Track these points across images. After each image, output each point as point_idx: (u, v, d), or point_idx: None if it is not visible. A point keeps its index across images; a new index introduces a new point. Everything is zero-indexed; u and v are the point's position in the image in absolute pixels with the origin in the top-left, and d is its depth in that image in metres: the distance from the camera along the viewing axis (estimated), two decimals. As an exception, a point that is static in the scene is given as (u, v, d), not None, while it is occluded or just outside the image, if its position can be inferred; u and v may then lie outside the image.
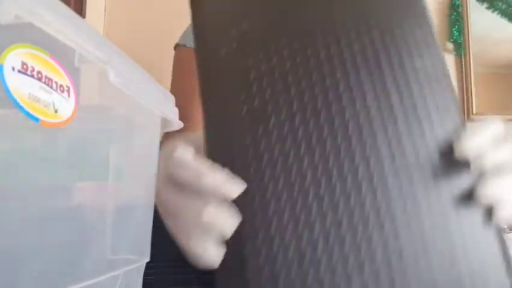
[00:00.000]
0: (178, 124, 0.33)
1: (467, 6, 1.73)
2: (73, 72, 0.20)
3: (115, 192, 0.25)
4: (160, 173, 0.31)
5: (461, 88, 1.72)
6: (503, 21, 1.73)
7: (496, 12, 1.73)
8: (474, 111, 1.70)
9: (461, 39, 1.72)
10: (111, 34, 1.57)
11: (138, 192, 0.28)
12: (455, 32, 1.71)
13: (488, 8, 1.73)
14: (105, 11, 1.69)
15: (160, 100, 0.30)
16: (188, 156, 0.29)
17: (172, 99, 0.33)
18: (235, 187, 0.28)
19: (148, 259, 0.30)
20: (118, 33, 1.57)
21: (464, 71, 1.71)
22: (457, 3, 1.73)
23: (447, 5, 1.75)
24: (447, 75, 0.36)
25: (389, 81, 0.31)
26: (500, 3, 1.72)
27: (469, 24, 1.73)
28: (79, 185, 0.22)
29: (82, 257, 0.21)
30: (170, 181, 0.30)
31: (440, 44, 0.33)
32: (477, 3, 1.73)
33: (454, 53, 1.72)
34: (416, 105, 0.31)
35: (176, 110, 0.33)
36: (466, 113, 1.71)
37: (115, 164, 0.24)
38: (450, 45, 1.73)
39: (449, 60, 1.73)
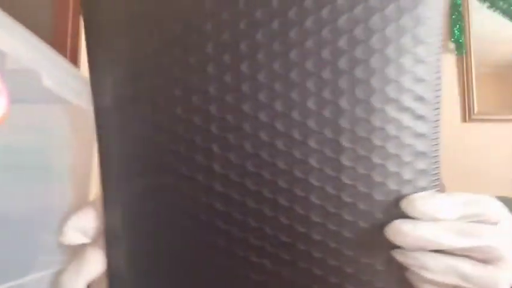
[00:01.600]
0: None
1: (468, 6, 1.72)
2: (5, 75, 0.20)
3: (53, 193, 0.25)
4: None
5: (462, 88, 1.71)
6: (505, 21, 1.72)
7: (497, 12, 1.71)
8: (475, 111, 1.69)
9: (462, 38, 1.70)
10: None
11: (72, 193, 0.28)
12: (456, 31, 1.70)
13: (489, 8, 1.72)
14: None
15: None
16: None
17: None
18: None
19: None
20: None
21: (465, 70, 1.70)
22: (458, 2, 1.72)
23: (448, 4, 1.74)
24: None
25: None
26: (501, 3, 1.70)
27: (470, 24, 1.72)
28: (13, 186, 0.22)
29: (13, 257, 0.22)
30: None
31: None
32: (478, 3, 1.72)
33: (455, 52, 1.71)
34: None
35: None
36: (467, 113, 1.70)
37: (50, 166, 0.25)
38: (451, 45, 1.72)
39: (450, 60, 1.72)
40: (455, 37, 1.70)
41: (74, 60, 1.56)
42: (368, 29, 0.23)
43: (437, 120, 0.24)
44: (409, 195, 0.24)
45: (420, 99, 0.24)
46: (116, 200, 0.25)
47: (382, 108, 0.23)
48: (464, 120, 1.71)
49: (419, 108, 0.24)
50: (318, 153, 0.24)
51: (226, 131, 0.24)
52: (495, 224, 0.24)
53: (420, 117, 0.24)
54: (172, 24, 0.25)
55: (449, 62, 1.71)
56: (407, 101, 0.24)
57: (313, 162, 0.24)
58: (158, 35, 0.25)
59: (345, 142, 0.24)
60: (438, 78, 0.24)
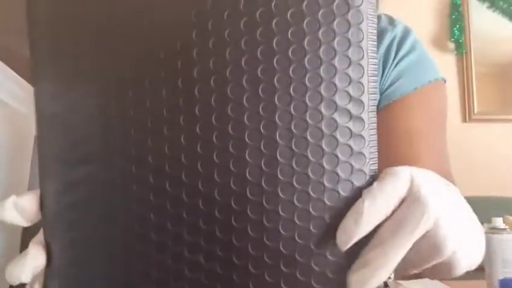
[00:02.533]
0: None
1: (468, 6, 1.73)
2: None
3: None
4: None
5: (462, 88, 1.72)
6: (504, 21, 1.72)
7: (497, 12, 1.72)
8: (475, 111, 1.69)
9: (462, 38, 1.71)
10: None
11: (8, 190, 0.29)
12: (456, 31, 1.71)
13: (489, 8, 1.72)
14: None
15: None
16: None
17: None
18: None
19: None
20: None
21: (465, 70, 1.71)
22: (458, 2, 1.72)
23: (448, 4, 1.75)
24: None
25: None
26: (501, 3, 1.71)
27: (470, 24, 1.72)
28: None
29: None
30: None
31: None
32: (478, 3, 1.73)
33: (455, 52, 1.72)
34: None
35: None
36: (468, 113, 1.70)
37: None
38: (451, 45, 1.72)
39: (450, 59, 1.73)
40: (455, 37, 1.71)
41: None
42: (302, 30, 0.23)
43: (372, 123, 0.24)
44: (345, 194, 0.24)
45: (355, 101, 0.24)
46: (51, 191, 0.25)
47: (315, 107, 0.24)
48: (464, 120, 1.71)
49: (354, 109, 0.24)
50: (252, 148, 0.24)
51: (161, 125, 0.24)
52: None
53: (356, 119, 0.24)
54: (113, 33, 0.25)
55: (449, 62, 1.72)
56: (341, 101, 0.24)
57: (247, 156, 0.24)
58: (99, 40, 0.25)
59: (280, 139, 0.24)
60: (374, 81, 0.24)
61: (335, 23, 0.23)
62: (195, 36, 0.24)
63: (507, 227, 0.78)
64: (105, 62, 0.25)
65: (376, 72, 0.24)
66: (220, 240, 0.24)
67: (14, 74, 0.28)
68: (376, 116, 0.24)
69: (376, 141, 0.24)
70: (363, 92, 0.24)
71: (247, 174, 0.24)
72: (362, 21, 0.24)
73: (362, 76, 0.24)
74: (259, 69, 0.24)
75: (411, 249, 0.23)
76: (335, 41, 0.23)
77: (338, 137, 0.24)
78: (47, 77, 0.26)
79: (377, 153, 0.24)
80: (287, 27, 0.24)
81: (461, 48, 1.71)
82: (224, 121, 0.24)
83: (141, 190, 0.24)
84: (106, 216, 0.25)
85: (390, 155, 0.26)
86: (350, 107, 0.24)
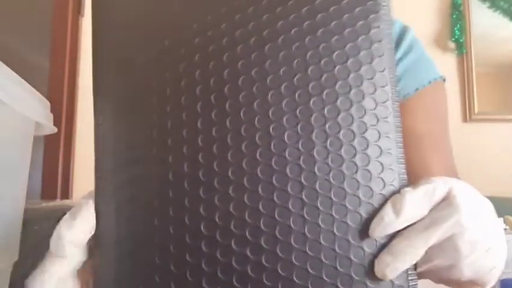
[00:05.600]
0: (51, 129, 0.35)
1: (468, 5, 1.73)
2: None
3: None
4: None
5: (462, 88, 1.72)
6: (505, 21, 1.72)
7: (498, 12, 1.72)
8: (476, 111, 1.69)
9: (463, 38, 1.71)
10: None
11: (5, 191, 0.29)
12: (456, 31, 1.71)
13: (490, 7, 1.72)
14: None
15: (33, 106, 0.33)
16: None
17: (47, 105, 0.35)
18: None
19: (16, 258, 0.31)
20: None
21: (465, 70, 1.71)
22: (459, 2, 1.72)
23: (449, 4, 1.75)
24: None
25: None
26: (502, 3, 1.71)
27: (471, 24, 1.72)
28: None
29: None
30: None
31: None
32: (479, 2, 1.73)
33: (456, 52, 1.72)
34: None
35: (51, 115, 0.35)
36: (468, 112, 1.70)
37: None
38: (451, 45, 1.72)
39: (451, 59, 1.73)
40: (456, 37, 1.71)
41: (72, 98, 1.57)
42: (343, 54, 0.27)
43: (397, 122, 0.28)
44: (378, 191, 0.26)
45: (381, 105, 0.27)
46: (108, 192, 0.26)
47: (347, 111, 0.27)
48: (464, 120, 1.71)
49: (383, 126, 0.27)
50: (291, 147, 0.26)
51: (210, 126, 0.26)
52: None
53: (385, 136, 0.27)
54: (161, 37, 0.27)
55: (449, 62, 1.72)
56: (371, 121, 0.27)
57: (287, 155, 0.26)
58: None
59: (315, 138, 0.27)
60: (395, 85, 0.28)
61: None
62: (240, 51, 0.27)
63: (507, 227, 0.78)
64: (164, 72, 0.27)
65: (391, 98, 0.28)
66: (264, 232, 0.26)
67: (14, 73, 0.28)
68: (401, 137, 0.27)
69: (402, 143, 0.27)
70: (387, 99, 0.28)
71: (287, 172, 0.26)
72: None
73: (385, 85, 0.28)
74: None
75: (434, 247, 0.25)
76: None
77: (368, 137, 0.27)
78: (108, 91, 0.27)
79: (403, 154, 0.27)
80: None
81: (461, 48, 1.71)
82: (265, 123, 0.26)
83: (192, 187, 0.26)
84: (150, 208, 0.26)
85: None
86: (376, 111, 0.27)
